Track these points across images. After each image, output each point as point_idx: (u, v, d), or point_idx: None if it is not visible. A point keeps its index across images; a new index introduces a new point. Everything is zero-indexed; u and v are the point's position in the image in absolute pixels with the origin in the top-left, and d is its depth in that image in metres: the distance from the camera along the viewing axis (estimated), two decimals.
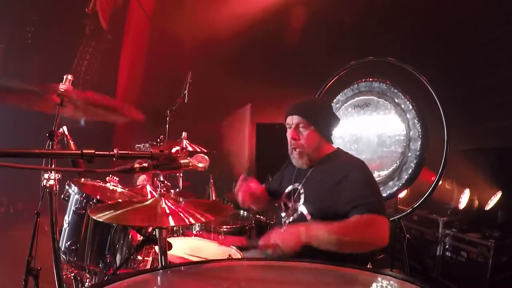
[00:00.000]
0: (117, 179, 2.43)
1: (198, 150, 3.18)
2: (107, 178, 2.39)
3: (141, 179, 3.12)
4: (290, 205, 2.02)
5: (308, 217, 1.87)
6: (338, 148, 2.10)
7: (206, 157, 1.33)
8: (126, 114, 2.06)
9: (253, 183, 2.20)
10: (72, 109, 1.99)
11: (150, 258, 2.09)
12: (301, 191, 1.97)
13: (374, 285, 1.24)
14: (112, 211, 1.33)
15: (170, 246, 1.93)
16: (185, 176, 3.53)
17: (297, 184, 2.03)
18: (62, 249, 1.99)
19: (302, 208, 1.92)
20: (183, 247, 2.24)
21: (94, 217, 1.28)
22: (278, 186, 2.24)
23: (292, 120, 1.99)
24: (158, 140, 2.86)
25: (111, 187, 2.38)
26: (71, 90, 1.79)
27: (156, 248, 1.85)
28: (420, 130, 2.79)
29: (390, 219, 2.95)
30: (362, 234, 1.61)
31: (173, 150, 1.20)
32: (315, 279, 1.28)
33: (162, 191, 1.40)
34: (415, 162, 2.81)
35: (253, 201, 2.19)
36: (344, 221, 1.65)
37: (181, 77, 3.62)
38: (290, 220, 1.97)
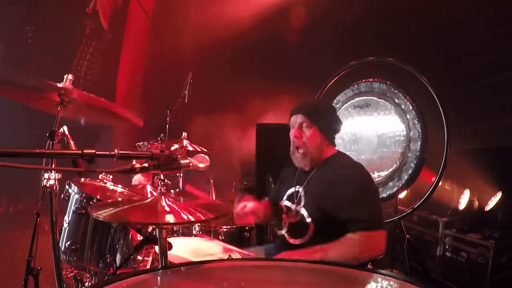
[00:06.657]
0: (111, 177, 2.39)
1: (199, 150, 3.18)
2: (100, 176, 2.32)
3: (136, 178, 3.11)
4: (291, 207, 2.01)
5: (309, 220, 1.88)
6: (339, 150, 2.10)
7: (206, 157, 1.32)
8: (125, 119, 2.06)
9: (250, 201, 2.09)
10: (73, 110, 1.99)
11: (150, 258, 2.09)
12: (302, 194, 1.97)
13: (374, 285, 1.24)
14: (112, 208, 1.33)
15: (170, 246, 1.93)
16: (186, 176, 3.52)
17: (299, 186, 2.03)
18: (62, 249, 1.99)
19: (303, 211, 1.92)
20: (183, 247, 2.24)
21: (94, 215, 1.28)
22: (277, 192, 2.23)
23: (296, 119, 2.00)
24: (159, 138, 2.87)
25: (111, 187, 2.38)
26: (72, 89, 1.79)
27: (156, 248, 1.85)
28: (420, 130, 2.79)
29: (390, 219, 2.96)
30: (353, 254, 1.68)
31: (173, 148, 1.20)
32: (315, 279, 1.28)
33: (163, 189, 1.40)
34: (415, 162, 2.80)
35: (256, 220, 2.15)
36: (335, 244, 1.72)
37: (181, 77, 3.62)
38: (290, 222, 1.98)
